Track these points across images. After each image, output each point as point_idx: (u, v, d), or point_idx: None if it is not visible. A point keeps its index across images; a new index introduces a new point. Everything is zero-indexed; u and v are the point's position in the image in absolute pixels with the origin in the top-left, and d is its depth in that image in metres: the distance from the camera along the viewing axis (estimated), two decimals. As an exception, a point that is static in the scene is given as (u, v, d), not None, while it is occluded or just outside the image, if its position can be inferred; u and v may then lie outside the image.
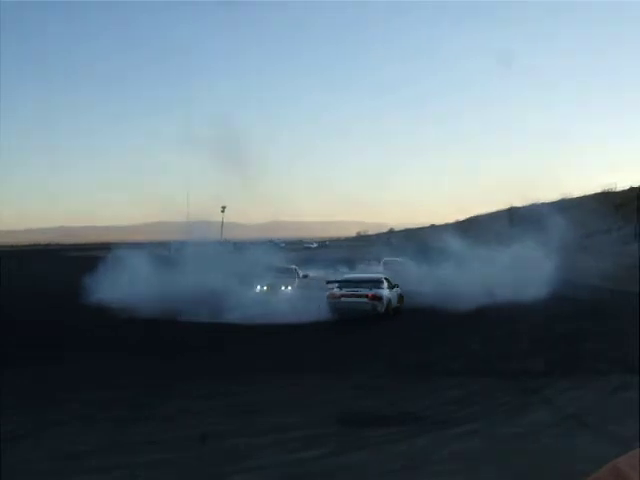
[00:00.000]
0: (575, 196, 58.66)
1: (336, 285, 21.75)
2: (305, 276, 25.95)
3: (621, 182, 79.14)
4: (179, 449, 8.12)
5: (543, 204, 56.21)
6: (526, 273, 24.93)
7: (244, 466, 7.25)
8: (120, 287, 24.59)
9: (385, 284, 21.80)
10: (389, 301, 21.28)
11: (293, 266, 27.01)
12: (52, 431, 8.69)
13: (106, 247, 36.27)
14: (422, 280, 26.24)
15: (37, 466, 7.29)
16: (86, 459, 7.60)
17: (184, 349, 16.11)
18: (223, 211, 52.60)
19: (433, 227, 62.45)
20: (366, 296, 20.81)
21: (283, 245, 65.34)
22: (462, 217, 52.16)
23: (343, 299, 20.79)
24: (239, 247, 45.18)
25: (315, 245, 70.42)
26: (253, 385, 11.76)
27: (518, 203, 53.53)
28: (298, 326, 19.39)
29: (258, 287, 23.99)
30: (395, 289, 22.39)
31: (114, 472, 7.15)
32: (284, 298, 22.72)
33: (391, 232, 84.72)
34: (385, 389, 11.36)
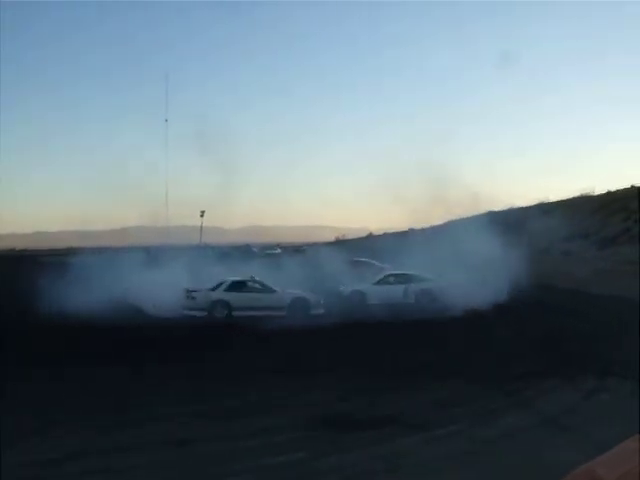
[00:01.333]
0: (553, 200, 59.29)
1: None
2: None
3: (599, 186, 79.94)
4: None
5: (521, 208, 56.77)
6: (495, 277, 24.92)
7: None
8: (82, 294, 22.86)
9: None
10: None
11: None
12: None
13: (83, 252, 35.63)
14: None
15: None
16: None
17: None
18: (202, 215, 52.28)
19: (412, 231, 62.35)
20: None
21: (255, 250, 64.66)
22: (439, 221, 52.38)
23: None
24: (219, 252, 45.09)
25: (279, 251, 63.52)
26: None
27: (496, 207, 53.76)
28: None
29: None
30: None
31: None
32: None
33: (370, 236, 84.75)
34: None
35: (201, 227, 53.09)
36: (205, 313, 22.19)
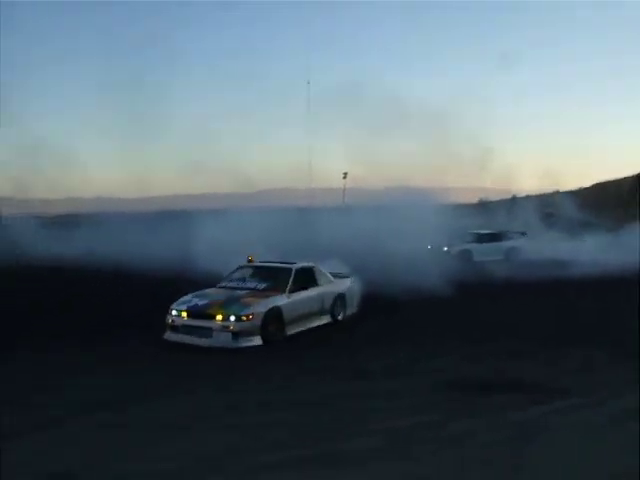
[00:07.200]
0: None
1: None
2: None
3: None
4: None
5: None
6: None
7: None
8: None
9: None
10: None
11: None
12: None
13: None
14: None
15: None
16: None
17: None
18: (345, 177, 51.37)
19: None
20: None
21: None
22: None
23: None
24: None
25: None
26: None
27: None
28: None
29: None
30: None
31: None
32: None
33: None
34: None
35: (344, 189, 51.93)
36: None
